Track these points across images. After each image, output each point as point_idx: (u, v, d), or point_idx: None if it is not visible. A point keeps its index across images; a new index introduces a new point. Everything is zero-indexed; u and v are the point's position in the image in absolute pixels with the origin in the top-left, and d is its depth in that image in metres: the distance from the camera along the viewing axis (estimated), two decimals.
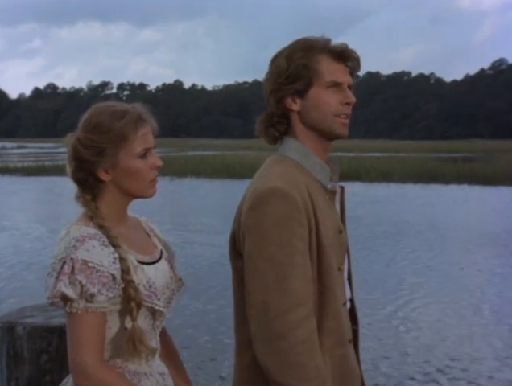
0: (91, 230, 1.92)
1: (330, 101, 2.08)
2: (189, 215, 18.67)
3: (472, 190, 26.82)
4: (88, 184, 1.99)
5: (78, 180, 2.00)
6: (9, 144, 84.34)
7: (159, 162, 2.04)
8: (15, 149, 69.26)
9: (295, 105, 2.11)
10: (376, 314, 8.57)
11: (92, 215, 1.97)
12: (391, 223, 16.92)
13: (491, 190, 26.32)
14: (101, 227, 1.94)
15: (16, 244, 13.69)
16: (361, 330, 2.27)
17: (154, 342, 2.07)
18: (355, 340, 2.24)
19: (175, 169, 33.97)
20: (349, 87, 2.12)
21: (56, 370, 2.98)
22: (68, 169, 2.01)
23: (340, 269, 2.10)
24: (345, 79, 2.09)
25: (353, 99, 2.10)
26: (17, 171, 35.03)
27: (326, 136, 2.13)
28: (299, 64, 2.05)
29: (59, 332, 2.88)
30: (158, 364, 2.11)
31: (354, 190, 23.61)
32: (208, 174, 32.95)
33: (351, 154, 43.20)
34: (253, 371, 2.03)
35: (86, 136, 1.97)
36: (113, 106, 2.01)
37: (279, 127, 2.15)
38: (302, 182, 2.03)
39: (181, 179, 31.79)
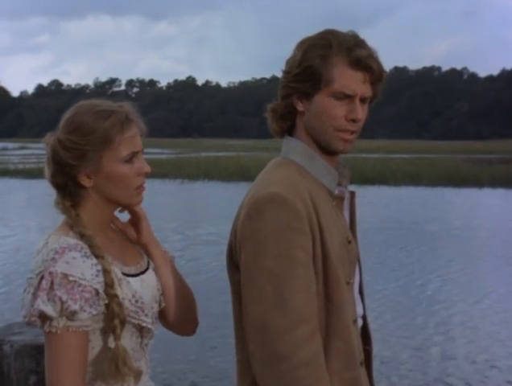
0: (71, 240, 1.88)
1: (334, 113, 2.01)
2: (200, 222, 18.65)
3: (508, 194, 26.63)
4: (68, 189, 1.95)
5: (57, 185, 1.96)
6: (10, 144, 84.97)
7: (147, 168, 1.99)
8: (17, 150, 69.85)
9: (301, 106, 2.06)
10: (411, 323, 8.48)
11: (73, 223, 1.93)
12: (419, 230, 16.81)
13: None
14: (82, 236, 1.90)
15: (11, 253, 13.72)
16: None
17: (143, 362, 2.02)
18: (368, 362, 2.18)
19: (186, 171, 34.04)
20: (363, 99, 2.03)
21: None
22: (47, 172, 1.97)
23: (349, 283, 2.04)
24: (358, 90, 2.00)
25: (358, 116, 2.01)
26: (17, 174, 35.22)
27: (322, 148, 2.07)
28: (312, 64, 1.99)
29: None
30: None
31: (380, 195, 23.50)
32: (221, 177, 32.96)
33: (376, 156, 43.08)
34: None
35: (67, 137, 1.92)
36: (98, 105, 1.96)
37: (282, 123, 2.11)
38: (304, 187, 1.98)
39: (193, 183, 31.83)
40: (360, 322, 2.14)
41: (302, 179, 2.01)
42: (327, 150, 2.07)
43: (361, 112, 2.02)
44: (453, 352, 7.75)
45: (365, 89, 2.02)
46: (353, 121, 2.02)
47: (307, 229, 1.92)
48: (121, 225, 2.10)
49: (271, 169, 2.07)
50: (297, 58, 2.02)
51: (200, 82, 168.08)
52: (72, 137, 1.92)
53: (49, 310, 1.81)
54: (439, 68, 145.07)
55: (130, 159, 1.95)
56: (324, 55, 1.99)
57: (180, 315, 2.11)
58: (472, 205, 22.92)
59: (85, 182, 1.94)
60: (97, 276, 1.86)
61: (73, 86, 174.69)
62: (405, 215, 19.98)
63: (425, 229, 17.06)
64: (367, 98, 2.04)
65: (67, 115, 1.96)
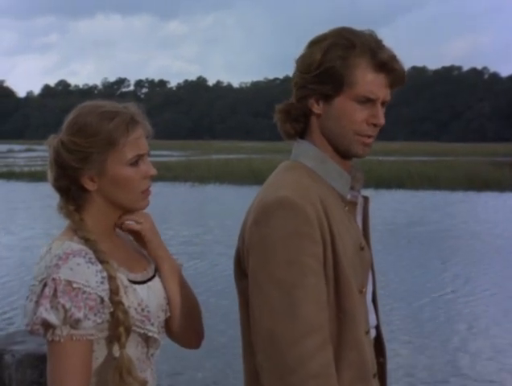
0: (75, 246, 1.88)
1: (355, 117, 2.00)
2: (211, 226, 18.66)
3: None
4: (72, 193, 1.95)
5: (60, 188, 1.96)
6: (17, 146, 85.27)
7: (153, 171, 1.99)
8: (23, 153, 70.19)
9: (317, 108, 2.04)
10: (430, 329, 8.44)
11: (76, 228, 1.93)
12: (438, 236, 16.73)
13: None
14: (86, 241, 1.90)
15: (14, 258, 13.76)
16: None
17: (149, 372, 2.01)
18: (382, 375, 2.16)
19: (196, 174, 34.07)
20: (384, 102, 2.03)
21: None
22: (50, 175, 1.97)
23: (361, 292, 2.03)
24: (380, 94, 2.00)
25: (381, 121, 2.01)
26: (23, 176, 35.31)
27: (340, 152, 2.06)
28: (333, 65, 1.97)
29: None
30: None
31: (397, 198, 23.39)
32: (233, 180, 32.94)
33: (393, 158, 42.96)
34: None
35: (70, 139, 1.93)
36: (102, 106, 1.97)
37: (296, 125, 2.09)
38: (314, 192, 1.97)
39: (203, 186, 31.84)
40: (373, 333, 2.12)
41: (312, 183, 2.00)
42: (345, 154, 2.06)
43: (383, 116, 2.02)
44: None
45: (386, 93, 2.02)
46: (375, 125, 2.02)
47: (318, 235, 1.91)
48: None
49: (280, 172, 2.06)
50: (316, 58, 1.99)
51: (211, 82, 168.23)
52: (76, 139, 1.92)
53: (52, 318, 1.81)
54: (459, 68, 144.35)
55: (135, 162, 1.95)
56: (346, 56, 1.97)
57: (185, 326, 2.10)
58: (493, 209, 22.79)
59: (89, 185, 1.94)
60: (101, 283, 1.86)
61: (81, 86, 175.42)
62: (423, 219, 19.90)
63: (444, 233, 16.99)
64: (387, 102, 2.04)
65: (70, 116, 1.96)
